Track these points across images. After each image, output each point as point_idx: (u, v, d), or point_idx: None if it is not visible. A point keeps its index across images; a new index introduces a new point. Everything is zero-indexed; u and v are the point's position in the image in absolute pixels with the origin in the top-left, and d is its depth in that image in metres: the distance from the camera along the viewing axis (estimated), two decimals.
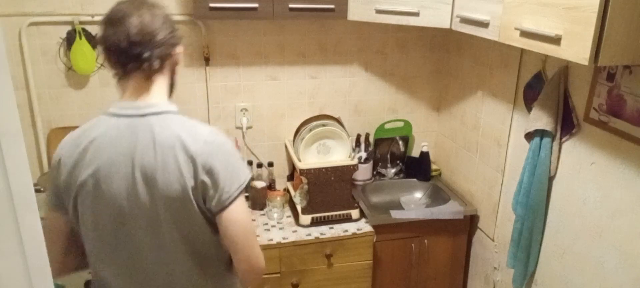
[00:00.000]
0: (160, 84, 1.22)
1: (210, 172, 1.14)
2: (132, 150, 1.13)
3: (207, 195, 1.15)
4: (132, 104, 1.17)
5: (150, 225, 1.16)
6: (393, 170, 2.56)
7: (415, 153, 2.61)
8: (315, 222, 2.14)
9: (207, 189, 1.14)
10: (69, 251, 1.26)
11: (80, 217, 1.19)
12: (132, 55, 1.13)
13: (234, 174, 1.17)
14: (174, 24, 1.21)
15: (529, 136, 1.78)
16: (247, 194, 2.27)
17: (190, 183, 1.13)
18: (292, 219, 2.21)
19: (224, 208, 1.16)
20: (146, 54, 1.13)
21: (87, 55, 2.08)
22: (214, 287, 1.28)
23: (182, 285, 1.23)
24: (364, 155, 2.44)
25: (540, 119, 1.70)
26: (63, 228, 1.23)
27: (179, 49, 1.24)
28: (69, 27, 2.07)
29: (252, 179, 1.20)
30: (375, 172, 2.55)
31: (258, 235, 2.06)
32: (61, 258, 1.24)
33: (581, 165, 1.64)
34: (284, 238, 2.06)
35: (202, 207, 1.17)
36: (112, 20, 1.13)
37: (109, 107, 1.19)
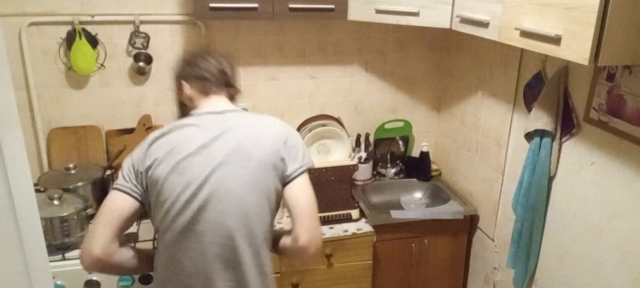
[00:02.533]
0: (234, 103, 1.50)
1: (290, 148, 1.37)
2: (220, 133, 1.33)
3: (285, 167, 1.36)
4: (213, 108, 1.41)
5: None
6: (393, 170, 2.56)
7: (415, 153, 2.61)
8: None
9: (285, 162, 1.36)
10: (117, 237, 1.31)
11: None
12: (222, 81, 1.44)
13: (305, 154, 1.41)
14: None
15: (529, 136, 1.78)
16: None
17: (277, 156, 1.35)
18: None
19: (295, 178, 1.37)
20: (232, 82, 1.47)
21: (87, 55, 2.08)
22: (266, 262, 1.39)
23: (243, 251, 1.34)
24: (364, 155, 2.44)
25: (540, 119, 1.70)
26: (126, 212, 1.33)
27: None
28: (69, 27, 2.07)
29: None
30: (375, 172, 2.55)
31: None
32: (111, 240, 1.28)
33: (581, 165, 1.64)
34: None
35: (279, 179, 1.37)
36: (199, 56, 1.47)
37: (194, 111, 1.42)
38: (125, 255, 1.34)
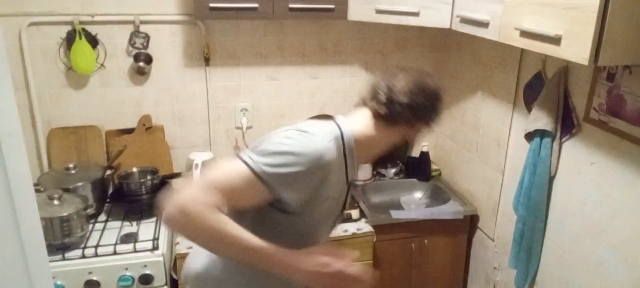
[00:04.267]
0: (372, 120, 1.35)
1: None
2: None
3: None
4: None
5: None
6: (393, 170, 2.56)
7: (415, 153, 2.61)
8: None
9: None
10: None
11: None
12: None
13: (257, 146, 1.15)
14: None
15: (529, 136, 1.78)
16: None
17: None
18: None
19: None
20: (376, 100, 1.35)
21: (87, 55, 2.08)
22: None
23: None
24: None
25: (540, 119, 1.70)
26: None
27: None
28: (69, 27, 2.07)
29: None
30: (375, 172, 2.55)
31: None
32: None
33: (581, 165, 1.64)
34: None
35: None
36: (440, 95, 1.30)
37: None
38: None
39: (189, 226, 1.06)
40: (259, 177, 1.09)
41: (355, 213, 2.18)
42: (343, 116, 1.31)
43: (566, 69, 1.67)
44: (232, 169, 1.10)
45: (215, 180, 1.09)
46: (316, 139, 1.16)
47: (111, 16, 2.11)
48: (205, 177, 1.10)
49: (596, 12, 1.17)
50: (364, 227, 2.14)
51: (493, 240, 2.20)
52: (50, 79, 2.13)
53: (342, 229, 2.12)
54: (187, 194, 1.06)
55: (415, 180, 2.53)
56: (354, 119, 1.31)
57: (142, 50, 2.17)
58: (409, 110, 1.24)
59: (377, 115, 1.28)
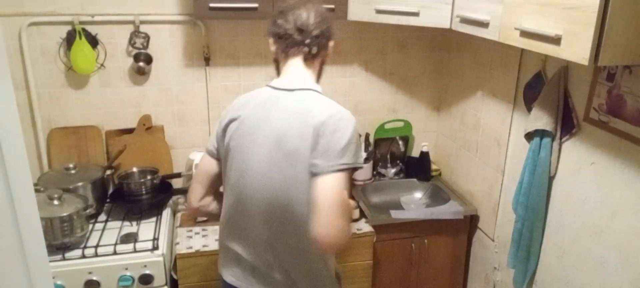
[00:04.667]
0: (312, 69, 1.45)
1: (324, 141, 1.31)
2: (269, 115, 1.37)
3: (316, 160, 1.30)
4: (288, 81, 1.41)
5: (263, 180, 1.38)
6: (393, 170, 2.56)
7: (415, 153, 2.61)
8: None
9: (317, 155, 1.30)
10: (209, 193, 1.54)
11: (229, 164, 1.43)
12: (296, 41, 1.39)
13: (343, 152, 1.30)
14: (331, 21, 1.45)
15: (529, 136, 1.78)
16: None
17: (308, 146, 1.31)
18: None
19: (321, 174, 1.29)
20: (307, 41, 1.39)
21: (87, 55, 2.08)
22: (305, 247, 1.40)
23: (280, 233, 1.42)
24: (364, 155, 2.44)
25: (540, 119, 1.70)
26: (211, 172, 1.51)
27: (332, 43, 1.47)
28: (69, 27, 2.07)
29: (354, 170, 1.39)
30: (375, 172, 2.55)
31: None
32: (202, 195, 1.53)
33: (581, 165, 1.64)
34: None
35: (308, 169, 1.34)
36: (284, 12, 1.41)
37: (271, 81, 1.44)
38: (216, 206, 1.56)
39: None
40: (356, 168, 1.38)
41: (355, 213, 2.18)
42: (291, 78, 1.42)
43: (566, 69, 1.67)
44: (344, 185, 1.31)
45: (345, 207, 1.32)
46: (347, 114, 1.37)
47: (111, 16, 2.11)
48: (337, 209, 1.28)
49: (596, 12, 1.17)
50: (364, 227, 2.14)
51: (493, 240, 2.20)
52: (50, 79, 2.13)
53: None
54: (346, 234, 1.31)
55: (415, 180, 2.53)
56: (304, 75, 1.43)
57: (142, 50, 2.17)
58: (325, 38, 1.43)
59: (308, 57, 1.42)
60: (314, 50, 1.41)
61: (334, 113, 1.33)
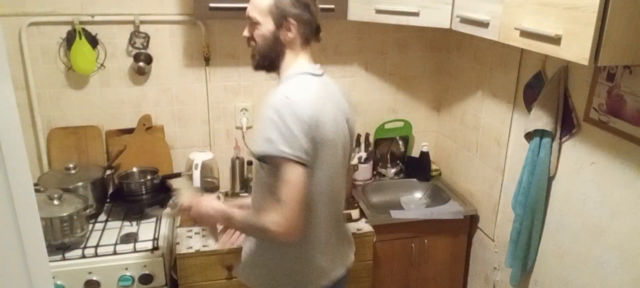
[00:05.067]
0: None
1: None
2: (338, 101, 1.45)
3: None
4: (316, 67, 1.45)
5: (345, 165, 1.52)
6: (393, 170, 2.56)
7: (415, 153, 2.61)
8: None
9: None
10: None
11: (321, 170, 1.37)
12: (315, 29, 1.44)
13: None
14: None
15: (529, 136, 1.78)
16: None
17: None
18: None
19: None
20: (319, 31, 1.46)
21: (87, 55, 2.08)
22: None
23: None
24: (364, 155, 2.44)
25: (540, 119, 1.70)
26: (307, 185, 1.33)
27: None
28: (69, 27, 2.07)
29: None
30: (375, 172, 2.55)
31: None
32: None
33: (581, 165, 1.64)
34: None
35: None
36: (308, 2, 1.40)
37: (304, 69, 1.41)
38: None
39: None
40: None
41: (355, 213, 2.18)
42: (314, 63, 1.47)
43: (566, 69, 1.67)
44: None
45: None
46: None
47: (111, 16, 2.11)
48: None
49: (596, 12, 1.17)
50: (364, 227, 2.14)
51: (493, 240, 2.20)
52: (50, 79, 2.13)
53: None
54: None
55: (415, 180, 2.53)
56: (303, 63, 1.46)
57: (142, 50, 2.16)
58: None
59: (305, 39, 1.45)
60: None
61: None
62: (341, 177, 1.48)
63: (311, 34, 1.42)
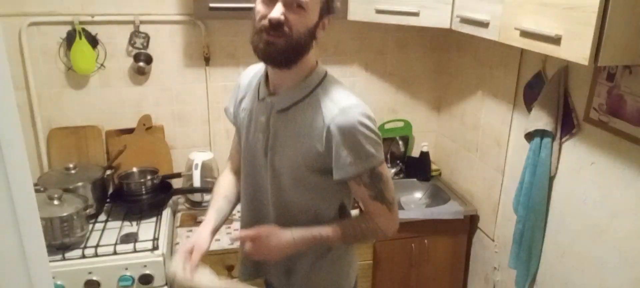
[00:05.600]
0: None
1: None
2: None
3: None
4: None
5: None
6: (393, 170, 2.56)
7: (415, 153, 2.61)
8: None
9: None
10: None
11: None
12: None
13: None
14: None
15: (529, 136, 1.78)
16: None
17: None
18: None
19: None
20: None
21: (87, 55, 2.08)
22: None
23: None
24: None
25: (540, 119, 1.70)
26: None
27: None
28: (69, 27, 2.07)
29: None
30: None
31: None
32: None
33: (581, 165, 1.64)
34: None
35: None
36: None
37: (324, 70, 1.30)
38: None
39: None
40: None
41: (355, 213, 2.17)
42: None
43: (566, 69, 1.67)
44: None
45: None
46: None
47: (111, 16, 2.11)
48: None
49: (596, 12, 1.17)
50: None
51: (493, 240, 2.19)
52: (50, 79, 2.13)
53: None
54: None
55: (415, 180, 2.53)
56: None
57: (142, 50, 2.16)
58: None
59: None
60: None
61: None
62: None
63: None
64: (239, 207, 1.46)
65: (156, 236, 1.89)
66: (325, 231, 1.27)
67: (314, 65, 1.25)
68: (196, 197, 2.21)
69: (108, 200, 2.13)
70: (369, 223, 1.29)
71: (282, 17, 1.12)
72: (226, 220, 1.44)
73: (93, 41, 2.10)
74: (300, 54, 1.18)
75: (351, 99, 1.20)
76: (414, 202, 2.44)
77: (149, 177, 2.11)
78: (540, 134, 1.72)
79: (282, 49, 1.14)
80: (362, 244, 1.40)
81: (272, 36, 1.13)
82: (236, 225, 2.04)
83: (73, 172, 2.02)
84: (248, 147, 1.34)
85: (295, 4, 1.12)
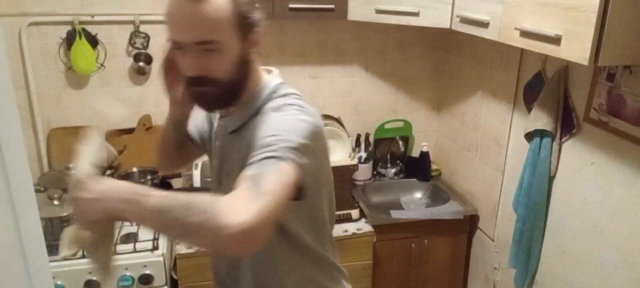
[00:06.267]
0: None
1: None
2: None
3: None
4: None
5: None
6: (393, 170, 2.56)
7: (415, 153, 2.61)
8: None
9: None
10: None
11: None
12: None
13: None
14: None
15: (529, 136, 1.78)
16: None
17: None
18: None
19: None
20: None
21: (87, 55, 2.08)
22: None
23: None
24: (364, 155, 2.44)
25: (540, 119, 1.70)
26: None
27: None
28: (69, 27, 2.07)
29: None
30: (375, 172, 2.54)
31: None
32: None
33: (581, 165, 1.64)
34: None
35: None
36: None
37: (279, 79, 1.17)
38: None
39: None
40: None
41: (355, 213, 2.18)
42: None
43: (566, 69, 1.67)
44: None
45: None
46: None
47: (111, 16, 2.11)
48: None
49: (596, 12, 1.17)
50: (364, 227, 2.14)
51: (493, 240, 2.19)
52: (50, 79, 2.13)
53: (342, 229, 2.12)
54: None
55: (415, 180, 2.53)
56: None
57: (142, 50, 2.16)
58: None
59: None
60: None
61: None
62: None
63: None
64: None
65: (156, 236, 1.89)
66: (150, 190, 0.88)
67: (263, 78, 1.12)
68: None
69: None
70: (205, 198, 0.84)
71: (201, 73, 1.00)
72: None
73: (93, 41, 2.10)
74: (240, 88, 1.07)
75: (300, 114, 1.04)
76: (414, 202, 2.44)
77: (149, 177, 2.11)
78: (540, 133, 1.72)
79: (217, 96, 1.04)
80: (187, 237, 0.88)
81: (201, 88, 1.02)
82: None
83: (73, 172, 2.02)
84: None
85: (203, 50, 0.97)
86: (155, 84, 2.24)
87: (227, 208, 0.81)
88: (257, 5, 1.06)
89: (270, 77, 1.14)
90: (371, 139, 2.54)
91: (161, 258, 1.83)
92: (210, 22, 0.95)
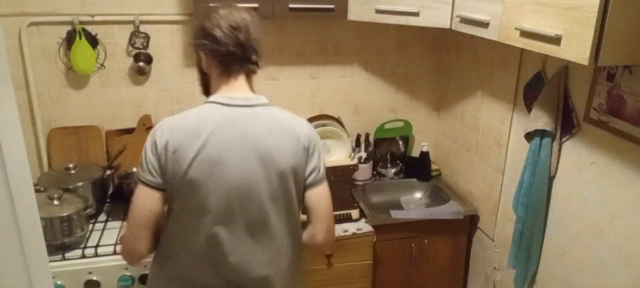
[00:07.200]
0: (252, 82, 1.40)
1: (312, 155, 1.37)
2: (251, 135, 1.29)
3: (306, 173, 1.37)
4: (240, 97, 1.33)
5: (270, 198, 1.33)
6: (393, 170, 2.56)
7: (415, 153, 2.61)
8: None
9: (308, 168, 1.37)
10: (154, 236, 1.36)
11: (195, 197, 1.28)
12: (239, 58, 1.32)
13: (323, 160, 1.42)
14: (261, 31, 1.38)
15: (529, 136, 1.78)
16: None
17: (298, 161, 1.34)
18: None
19: (317, 184, 1.39)
20: (253, 58, 1.34)
21: (87, 55, 2.08)
22: (296, 254, 1.44)
23: (283, 248, 1.39)
24: (364, 155, 2.44)
25: (540, 119, 1.70)
26: (155, 207, 1.31)
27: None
28: (69, 27, 2.07)
29: None
30: (375, 172, 2.55)
31: None
32: (151, 241, 1.34)
33: (581, 165, 1.64)
34: None
35: (300, 183, 1.37)
36: (216, 21, 1.30)
37: (213, 98, 1.34)
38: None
39: None
40: None
41: (355, 213, 2.18)
42: (243, 94, 1.37)
43: (566, 69, 1.67)
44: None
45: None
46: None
47: (111, 16, 2.11)
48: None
49: (596, 12, 1.17)
50: (364, 227, 2.14)
51: (493, 240, 2.20)
52: (50, 79, 2.13)
53: (342, 229, 2.12)
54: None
55: (415, 180, 2.53)
56: (250, 88, 1.39)
57: (142, 50, 2.17)
58: (261, 50, 1.40)
59: (251, 74, 1.39)
60: (258, 68, 1.38)
61: (309, 128, 1.39)
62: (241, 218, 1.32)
63: (228, 64, 1.33)
64: None
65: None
66: None
67: (214, 95, 1.36)
68: None
69: (108, 200, 2.13)
70: None
71: None
72: None
73: (93, 41, 2.10)
74: (205, 85, 1.44)
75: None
76: (414, 202, 2.44)
77: None
78: (540, 133, 1.72)
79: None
80: None
81: None
82: None
83: (73, 172, 2.02)
84: None
85: None
86: (155, 84, 2.25)
87: None
88: (204, 35, 1.33)
89: (214, 95, 1.40)
90: (371, 139, 2.54)
91: None
92: None
